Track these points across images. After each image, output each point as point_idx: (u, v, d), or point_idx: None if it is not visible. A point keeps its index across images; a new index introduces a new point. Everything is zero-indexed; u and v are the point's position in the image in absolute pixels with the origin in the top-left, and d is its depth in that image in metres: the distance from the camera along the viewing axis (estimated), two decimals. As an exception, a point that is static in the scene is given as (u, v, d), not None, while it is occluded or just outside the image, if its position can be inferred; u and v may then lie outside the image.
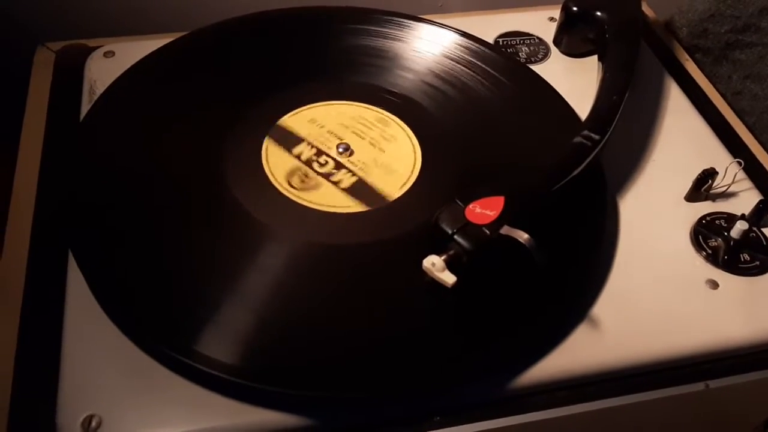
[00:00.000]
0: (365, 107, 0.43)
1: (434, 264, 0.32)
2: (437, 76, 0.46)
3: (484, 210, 0.33)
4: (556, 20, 0.51)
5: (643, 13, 0.54)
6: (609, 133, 0.39)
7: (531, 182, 0.36)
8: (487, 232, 0.32)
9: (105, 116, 0.41)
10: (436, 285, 0.32)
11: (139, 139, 0.40)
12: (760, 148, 0.46)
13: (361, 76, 0.45)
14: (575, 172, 0.36)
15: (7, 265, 0.36)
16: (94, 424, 0.30)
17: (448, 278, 0.32)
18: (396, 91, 0.45)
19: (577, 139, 0.38)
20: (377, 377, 0.32)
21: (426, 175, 0.40)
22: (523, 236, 0.31)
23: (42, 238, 0.38)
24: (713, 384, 0.35)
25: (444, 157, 0.41)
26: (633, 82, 0.43)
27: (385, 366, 0.32)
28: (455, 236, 0.33)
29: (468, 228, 0.33)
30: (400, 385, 0.32)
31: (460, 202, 0.34)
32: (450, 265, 0.32)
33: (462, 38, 0.48)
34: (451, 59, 0.47)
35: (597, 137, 0.38)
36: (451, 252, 0.32)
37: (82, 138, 0.40)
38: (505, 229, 0.32)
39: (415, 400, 0.33)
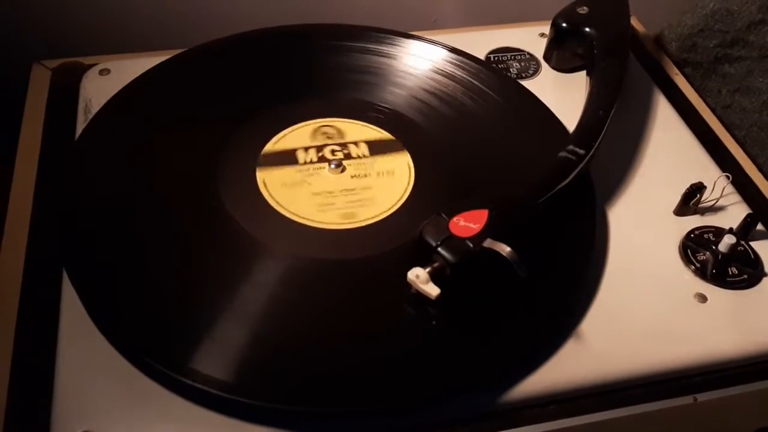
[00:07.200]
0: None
1: (418, 276, 0.32)
2: (429, 92, 0.46)
3: (467, 223, 0.33)
4: (546, 36, 0.51)
5: (632, 27, 0.55)
6: (594, 148, 0.39)
7: (515, 196, 0.36)
8: (470, 244, 0.33)
9: (100, 136, 0.41)
10: (422, 297, 0.33)
11: (133, 158, 0.41)
12: (749, 162, 0.47)
13: (352, 93, 0.46)
14: (559, 187, 0.37)
15: (2, 283, 0.37)
16: (87, 439, 0.30)
17: (432, 290, 0.32)
18: (387, 107, 0.45)
19: (562, 154, 0.38)
20: (369, 393, 0.32)
21: (419, 190, 0.40)
22: (505, 249, 0.32)
23: (37, 256, 0.38)
24: (701, 397, 0.35)
25: (435, 172, 0.41)
26: (620, 97, 0.43)
27: (377, 381, 0.32)
28: (439, 249, 0.33)
29: (451, 241, 0.33)
30: (391, 400, 0.32)
31: (444, 215, 0.34)
32: (434, 278, 0.32)
33: (453, 55, 0.48)
34: (444, 75, 0.47)
35: (582, 152, 0.38)
36: (435, 264, 0.33)
37: (77, 157, 0.41)
38: (488, 242, 0.32)
39: (405, 415, 0.33)
